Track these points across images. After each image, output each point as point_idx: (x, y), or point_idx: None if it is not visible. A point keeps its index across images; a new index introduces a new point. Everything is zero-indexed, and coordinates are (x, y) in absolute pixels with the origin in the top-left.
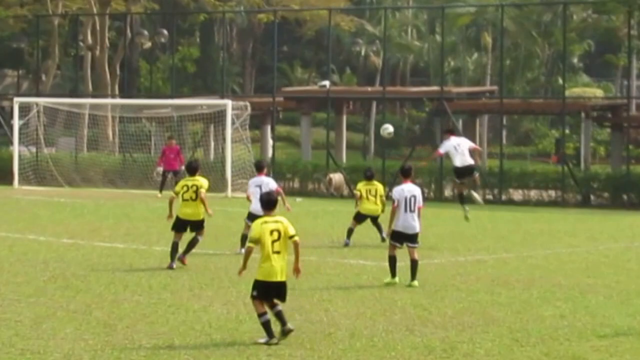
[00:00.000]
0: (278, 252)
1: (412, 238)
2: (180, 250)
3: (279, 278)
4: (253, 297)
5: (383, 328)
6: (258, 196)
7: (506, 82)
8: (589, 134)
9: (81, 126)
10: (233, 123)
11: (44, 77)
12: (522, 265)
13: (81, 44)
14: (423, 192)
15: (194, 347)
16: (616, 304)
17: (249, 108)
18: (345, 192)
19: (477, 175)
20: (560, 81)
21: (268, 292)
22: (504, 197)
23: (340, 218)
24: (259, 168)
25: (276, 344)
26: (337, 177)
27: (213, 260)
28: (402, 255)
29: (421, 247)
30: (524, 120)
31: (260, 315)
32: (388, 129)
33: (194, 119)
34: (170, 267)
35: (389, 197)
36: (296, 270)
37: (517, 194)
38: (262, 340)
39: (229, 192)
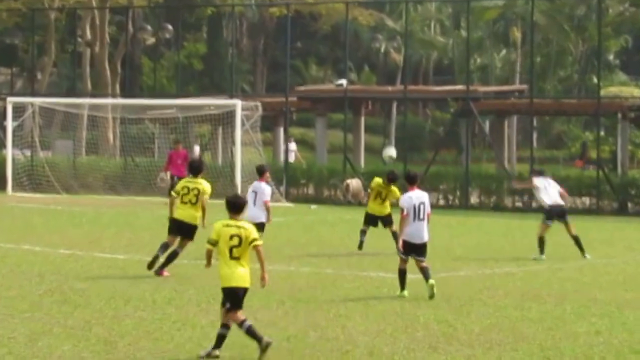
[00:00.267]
0: (237, 259)
1: (420, 249)
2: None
3: (238, 284)
4: (227, 310)
5: (404, 346)
6: (252, 202)
7: (537, 81)
8: (626, 137)
9: (79, 128)
10: (243, 125)
11: (39, 75)
12: (554, 278)
13: (79, 39)
14: (447, 199)
15: None
16: None
17: (260, 108)
18: (364, 199)
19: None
20: (595, 80)
21: (236, 297)
22: (534, 205)
23: (358, 227)
24: (260, 173)
25: (217, 357)
26: (354, 183)
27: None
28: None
29: (446, 258)
30: (556, 121)
31: (222, 325)
32: (390, 152)
33: (201, 121)
34: (155, 258)
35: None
36: (262, 279)
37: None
38: (204, 353)
39: None
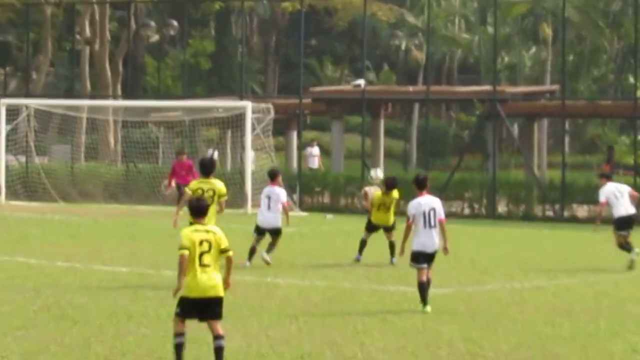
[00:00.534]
0: (207, 266)
1: (431, 258)
2: None
3: (209, 294)
4: (176, 315)
5: None
6: (266, 207)
7: (569, 81)
8: None
9: (78, 132)
10: (254, 128)
11: (34, 75)
12: (588, 292)
13: (78, 36)
14: (472, 208)
15: None
16: None
17: (272, 111)
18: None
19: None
20: (632, 79)
21: (193, 310)
22: (566, 214)
23: (377, 238)
24: (272, 177)
25: None
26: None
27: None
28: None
29: (471, 271)
30: (590, 124)
31: (176, 335)
32: (377, 173)
33: (209, 124)
34: None
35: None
36: (225, 284)
37: (581, 210)
38: None
39: (249, 208)
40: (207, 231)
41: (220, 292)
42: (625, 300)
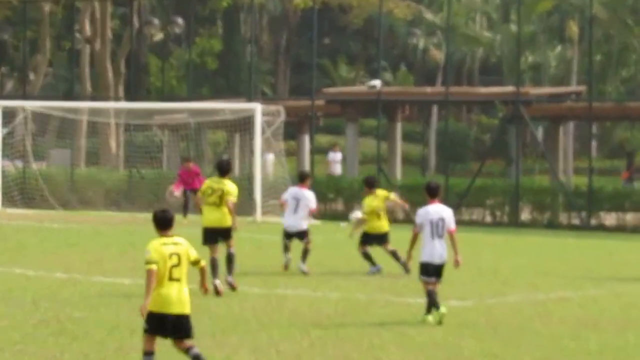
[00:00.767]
0: (177, 280)
1: (438, 270)
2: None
3: (177, 310)
4: (145, 332)
5: None
6: (292, 210)
7: (596, 82)
8: None
9: (78, 136)
10: (263, 132)
11: (32, 76)
12: (616, 304)
13: (78, 35)
14: (494, 215)
15: None
16: None
17: (283, 114)
18: (400, 215)
19: None
20: None
21: (162, 327)
22: (593, 222)
23: (394, 247)
24: (302, 179)
25: None
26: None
27: (238, 298)
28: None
29: (493, 282)
30: (618, 127)
31: (146, 354)
32: (355, 214)
33: (216, 127)
34: (217, 292)
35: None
36: (204, 288)
37: (609, 218)
38: None
39: (259, 216)
40: (175, 244)
41: (188, 310)
42: None
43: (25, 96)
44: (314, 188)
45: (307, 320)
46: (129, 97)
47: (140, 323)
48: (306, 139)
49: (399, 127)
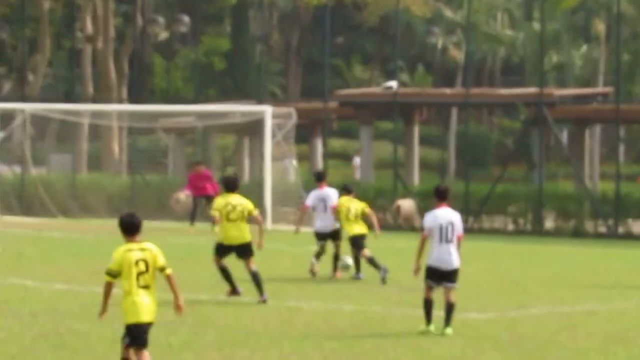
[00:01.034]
0: (146, 287)
1: (449, 276)
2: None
3: (149, 318)
4: (127, 346)
5: None
6: (322, 211)
7: (624, 83)
8: None
9: (79, 140)
10: (274, 135)
11: (31, 77)
12: None
13: (79, 33)
14: (517, 223)
15: None
16: None
17: (294, 116)
18: (417, 223)
19: None
20: None
21: (142, 337)
22: (620, 230)
23: (411, 256)
24: (320, 178)
25: None
26: (406, 205)
27: (248, 311)
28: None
29: (515, 294)
30: None
31: None
32: (344, 261)
33: (224, 130)
34: (235, 292)
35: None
36: (178, 308)
37: (637, 226)
38: None
39: (269, 224)
40: (142, 249)
41: (154, 318)
42: None
43: (23, 98)
44: None
45: (320, 333)
46: (133, 99)
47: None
48: (319, 143)
49: (416, 131)
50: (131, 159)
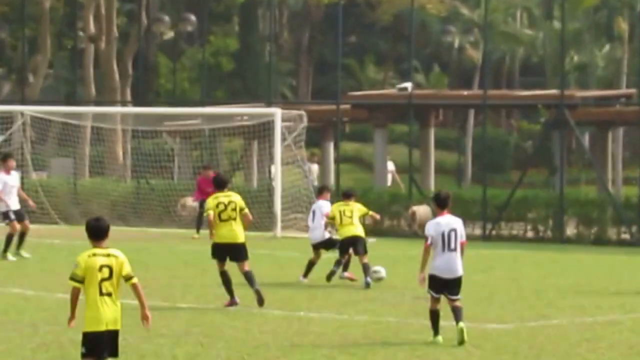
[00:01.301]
0: (109, 295)
1: (452, 286)
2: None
3: (110, 327)
4: (83, 356)
5: None
6: (310, 224)
7: None
8: None
9: (81, 143)
10: (284, 139)
11: (31, 78)
12: None
13: (81, 33)
14: (537, 230)
15: None
16: None
17: (305, 119)
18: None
19: None
20: None
21: (99, 346)
22: None
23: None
24: (319, 191)
25: None
26: (422, 211)
27: (257, 321)
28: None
29: (535, 303)
30: None
31: None
32: (379, 273)
33: (232, 133)
34: (233, 303)
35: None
36: (145, 318)
37: None
38: None
39: (279, 231)
40: (108, 255)
41: (118, 326)
42: None
43: (23, 100)
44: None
45: (332, 344)
46: (137, 101)
47: (149, 348)
48: (331, 146)
49: (432, 134)
50: (135, 164)
